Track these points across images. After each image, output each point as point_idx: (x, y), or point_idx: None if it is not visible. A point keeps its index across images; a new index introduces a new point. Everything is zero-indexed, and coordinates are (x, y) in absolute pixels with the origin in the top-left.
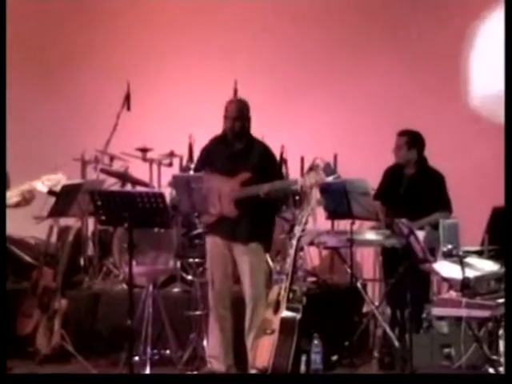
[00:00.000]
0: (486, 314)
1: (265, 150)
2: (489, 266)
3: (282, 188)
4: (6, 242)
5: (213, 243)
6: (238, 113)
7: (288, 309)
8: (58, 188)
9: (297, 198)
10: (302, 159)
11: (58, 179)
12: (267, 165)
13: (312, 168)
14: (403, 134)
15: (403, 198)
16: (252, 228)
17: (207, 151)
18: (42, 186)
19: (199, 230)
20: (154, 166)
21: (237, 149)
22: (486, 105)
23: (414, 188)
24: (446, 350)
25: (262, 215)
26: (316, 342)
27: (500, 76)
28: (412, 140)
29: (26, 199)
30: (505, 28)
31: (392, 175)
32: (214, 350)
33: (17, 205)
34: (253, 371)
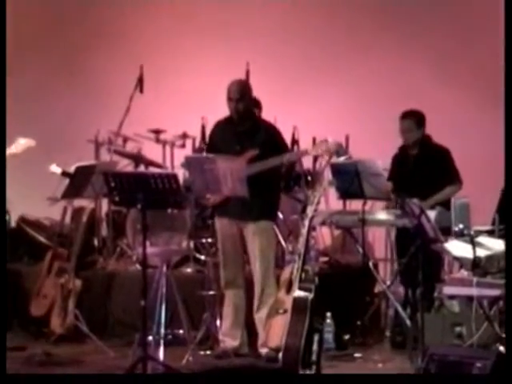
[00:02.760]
0: (496, 292)
1: (270, 128)
2: (499, 245)
3: (295, 157)
4: (22, 223)
5: (221, 224)
6: (241, 94)
7: (300, 288)
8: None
9: (309, 178)
10: (314, 140)
11: (28, 144)
12: (274, 141)
13: (322, 141)
14: (410, 115)
15: (412, 178)
16: (261, 206)
17: (214, 135)
18: (15, 149)
19: (212, 211)
20: (167, 148)
21: (243, 129)
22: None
23: (421, 166)
24: (458, 329)
25: (269, 193)
26: (328, 321)
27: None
28: (419, 120)
29: None
30: (505, 28)
31: (399, 157)
32: (227, 329)
33: None
34: (264, 350)
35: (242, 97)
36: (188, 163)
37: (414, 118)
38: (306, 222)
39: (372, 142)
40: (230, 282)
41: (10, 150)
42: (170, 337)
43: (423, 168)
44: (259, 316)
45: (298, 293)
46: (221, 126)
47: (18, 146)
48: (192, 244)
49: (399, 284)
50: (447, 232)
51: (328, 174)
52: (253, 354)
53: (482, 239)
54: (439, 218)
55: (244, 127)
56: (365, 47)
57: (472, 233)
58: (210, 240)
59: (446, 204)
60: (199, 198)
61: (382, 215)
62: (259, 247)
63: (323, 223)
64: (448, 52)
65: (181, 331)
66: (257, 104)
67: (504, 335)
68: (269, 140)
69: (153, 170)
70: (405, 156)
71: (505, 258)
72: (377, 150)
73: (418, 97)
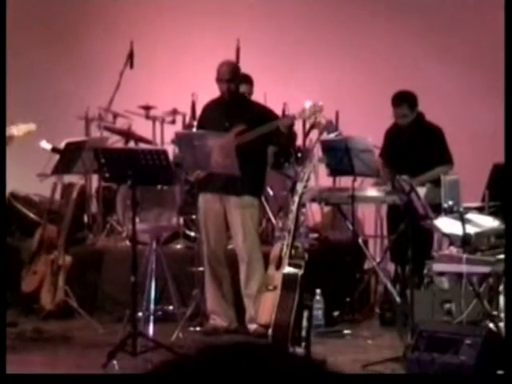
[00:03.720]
0: (486, 269)
1: (260, 109)
2: (489, 222)
3: (288, 123)
4: (12, 199)
5: (204, 200)
6: (231, 74)
7: (290, 265)
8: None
9: (299, 155)
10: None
11: (29, 128)
12: (265, 116)
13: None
14: (402, 101)
15: (404, 155)
16: (245, 181)
17: (203, 116)
18: (16, 131)
19: None
20: (157, 124)
21: (233, 109)
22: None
23: (413, 145)
24: (447, 306)
25: (254, 168)
26: (318, 297)
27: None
28: (412, 103)
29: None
30: (505, 28)
31: (392, 132)
32: (213, 306)
33: None
34: (253, 326)
35: (233, 77)
36: (178, 139)
37: (407, 103)
38: (296, 199)
39: (362, 118)
40: (212, 259)
41: (11, 132)
42: (159, 313)
43: (416, 146)
44: (247, 292)
45: (287, 269)
46: (212, 105)
47: (19, 128)
48: (182, 220)
49: (389, 261)
50: (437, 209)
51: (318, 151)
52: (243, 331)
53: (471, 216)
54: (429, 194)
55: (234, 108)
56: (357, 24)
57: (462, 209)
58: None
59: (436, 181)
60: (186, 174)
61: (372, 192)
62: (241, 222)
63: (313, 200)
64: (441, 29)
65: (170, 307)
66: (248, 80)
67: (494, 312)
68: (259, 116)
69: (143, 146)
70: (398, 132)
71: (496, 235)
72: (367, 127)
73: (409, 73)
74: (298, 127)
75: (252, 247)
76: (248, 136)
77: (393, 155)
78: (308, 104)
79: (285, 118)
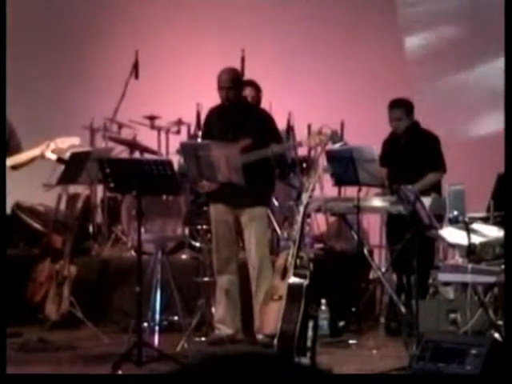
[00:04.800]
0: (491, 279)
1: (263, 116)
2: (494, 232)
3: (287, 149)
4: (17, 209)
5: (216, 210)
6: (231, 82)
7: (295, 275)
8: (66, 156)
9: (304, 165)
10: (309, 126)
11: (72, 142)
12: (266, 129)
13: (317, 132)
14: (398, 105)
15: (400, 164)
16: (256, 193)
17: (207, 122)
18: (61, 143)
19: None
20: (162, 134)
21: (235, 117)
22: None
23: (408, 152)
24: (452, 316)
25: (263, 180)
26: (323, 307)
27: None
28: (408, 108)
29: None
30: (505, 28)
31: (389, 144)
32: (221, 314)
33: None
34: (260, 337)
35: (233, 85)
36: (183, 149)
37: (402, 107)
38: (301, 209)
39: (367, 128)
40: (223, 269)
41: (56, 145)
42: (164, 323)
43: (411, 154)
44: (257, 300)
45: (292, 279)
46: (214, 113)
47: (63, 141)
48: (187, 230)
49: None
50: (440, 219)
51: (323, 161)
52: (248, 341)
53: (476, 226)
54: (434, 204)
55: (236, 115)
56: (363, 33)
57: (467, 219)
58: (205, 226)
59: (430, 187)
60: (194, 185)
61: (377, 202)
62: (255, 234)
63: (318, 210)
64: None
65: (176, 317)
66: (252, 84)
67: (499, 322)
68: (261, 128)
69: (148, 156)
70: (394, 141)
71: (501, 245)
72: (372, 137)
73: (412, 83)
74: (303, 137)
75: (263, 256)
76: (246, 157)
77: (389, 164)
78: (322, 132)
79: (290, 144)
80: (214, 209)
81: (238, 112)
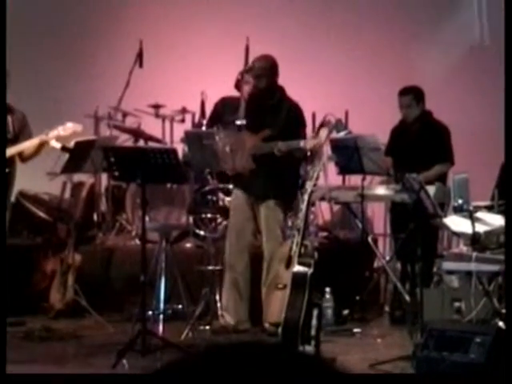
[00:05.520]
0: (495, 268)
1: (293, 109)
2: (499, 221)
3: (296, 148)
4: (21, 198)
5: (235, 195)
6: (263, 70)
7: (300, 264)
8: (70, 144)
9: (308, 153)
10: (314, 115)
11: (75, 129)
12: (292, 124)
13: (323, 124)
14: (408, 92)
15: (409, 153)
16: (268, 185)
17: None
18: (62, 131)
19: (212, 186)
20: (167, 123)
21: (266, 106)
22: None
23: (418, 142)
24: (457, 304)
25: (278, 173)
26: (327, 296)
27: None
28: (418, 96)
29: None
30: (505, 28)
31: (398, 132)
32: (227, 301)
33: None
34: (266, 325)
35: (265, 73)
36: (187, 138)
37: (412, 94)
38: (306, 197)
39: (372, 117)
40: (234, 262)
41: (57, 132)
42: (169, 312)
43: (423, 144)
44: (264, 292)
45: (297, 268)
46: (251, 98)
47: (65, 128)
48: (191, 219)
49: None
50: (442, 208)
51: (327, 150)
52: (255, 331)
53: (481, 214)
54: (438, 193)
55: (267, 104)
56: (368, 23)
57: (471, 208)
58: (209, 215)
59: (443, 180)
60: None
61: (382, 190)
62: (268, 226)
63: (322, 198)
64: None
65: (180, 306)
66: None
67: (503, 310)
68: (288, 122)
69: (152, 144)
70: (405, 130)
71: (504, 233)
72: (376, 126)
73: (419, 72)
74: (308, 125)
75: (273, 249)
76: (265, 148)
77: (397, 153)
78: (309, 136)
79: (301, 141)
80: (234, 193)
81: (270, 101)
